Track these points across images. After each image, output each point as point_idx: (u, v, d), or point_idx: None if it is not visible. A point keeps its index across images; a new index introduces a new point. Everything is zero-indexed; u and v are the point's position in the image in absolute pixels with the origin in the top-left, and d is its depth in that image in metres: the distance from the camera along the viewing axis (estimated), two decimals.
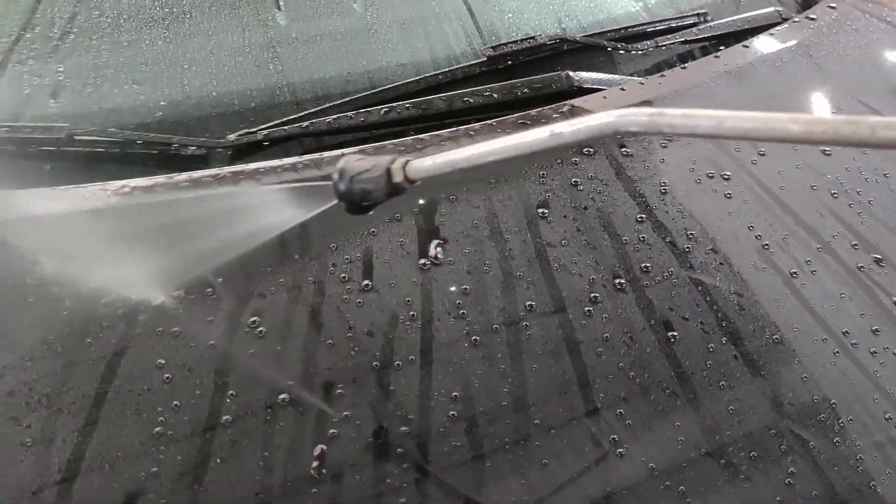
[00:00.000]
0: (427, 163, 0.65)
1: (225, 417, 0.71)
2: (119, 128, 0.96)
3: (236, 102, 1.00)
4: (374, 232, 0.85)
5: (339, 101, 1.00)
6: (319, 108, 0.99)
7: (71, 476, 0.68)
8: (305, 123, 0.97)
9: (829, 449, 0.74)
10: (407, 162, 0.65)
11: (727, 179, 0.95)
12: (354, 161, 0.67)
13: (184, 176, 0.89)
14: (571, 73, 1.05)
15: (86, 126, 0.95)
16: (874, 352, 0.81)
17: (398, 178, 0.65)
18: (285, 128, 0.97)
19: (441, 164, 0.64)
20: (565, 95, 1.04)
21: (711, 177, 0.96)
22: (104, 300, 0.77)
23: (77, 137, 0.94)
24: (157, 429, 0.70)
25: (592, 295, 0.81)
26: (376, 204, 0.67)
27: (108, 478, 0.68)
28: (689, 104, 1.05)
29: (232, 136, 0.96)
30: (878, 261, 0.90)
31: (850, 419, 0.76)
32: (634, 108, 0.58)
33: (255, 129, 0.97)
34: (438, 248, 0.83)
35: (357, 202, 0.66)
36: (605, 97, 1.04)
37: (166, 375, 0.73)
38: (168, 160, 0.96)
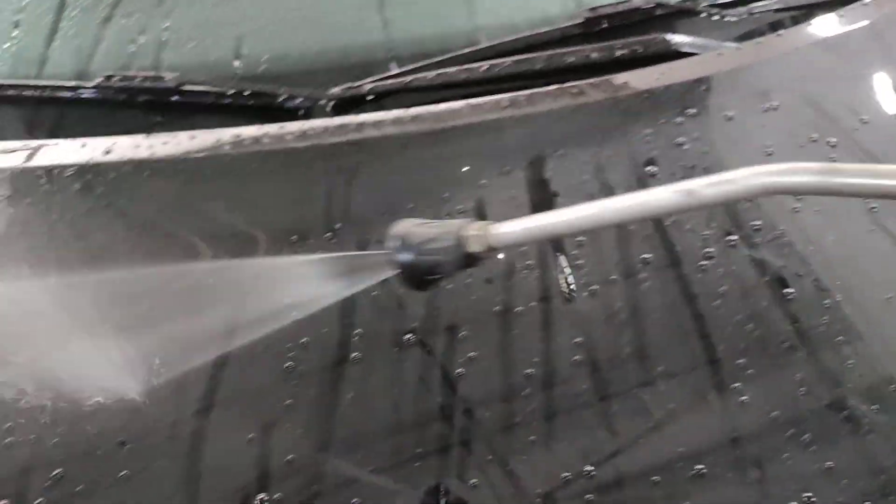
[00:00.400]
0: (512, 228, 0.53)
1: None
2: (224, 79, 0.97)
3: (339, 57, 1.01)
4: None
5: (440, 58, 1.01)
6: (421, 63, 1.00)
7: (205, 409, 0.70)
8: (408, 79, 0.98)
9: None
10: (485, 227, 0.55)
11: (833, 146, 0.95)
12: (416, 226, 0.56)
13: (294, 126, 0.90)
14: (668, 37, 1.05)
15: (192, 77, 0.97)
16: None
17: (476, 246, 0.54)
18: (387, 82, 0.98)
19: (531, 231, 0.53)
20: (661, 59, 1.04)
21: (815, 141, 0.95)
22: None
23: (185, 88, 0.95)
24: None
25: (706, 251, 0.82)
26: (442, 278, 0.56)
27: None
28: (786, 73, 1.05)
29: (335, 90, 0.97)
30: None
31: None
32: (799, 164, 0.47)
33: (357, 84, 0.98)
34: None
35: (421, 276, 0.56)
36: (700, 62, 1.04)
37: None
38: (272, 112, 0.97)
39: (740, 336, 0.76)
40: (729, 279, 0.80)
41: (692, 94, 0.99)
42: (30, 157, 0.88)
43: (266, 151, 0.88)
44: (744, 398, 0.72)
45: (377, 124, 0.91)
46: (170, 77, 0.95)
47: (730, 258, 0.82)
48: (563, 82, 0.99)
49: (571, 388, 0.72)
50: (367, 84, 0.98)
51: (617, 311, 0.77)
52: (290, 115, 0.96)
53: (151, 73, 0.96)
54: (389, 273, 0.57)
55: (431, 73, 0.98)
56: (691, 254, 0.82)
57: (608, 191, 0.89)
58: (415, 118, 0.92)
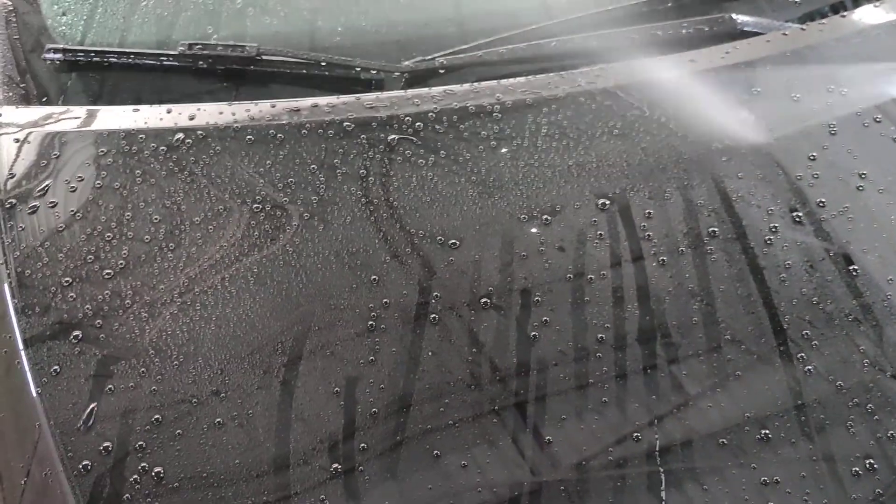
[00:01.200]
0: None
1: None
2: (302, 51, 1.00)
3: (413, 30, 1.04)
4: None
5: (509, 33, 1.03)
6: (491, 38, 1.02)
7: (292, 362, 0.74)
8: (479, 52, 1.00)
9: None
10: None
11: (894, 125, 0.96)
12: None
13: (370, 97, 0.94)
14: (734, 16, 1.06)
15: (271, 47, 1.00)
16: None
17: None
18: (459, 56, 1.01)
19: None
20: (727, 37, 1.06)
21: (879, 121, 0.97)
22: None
23: (265, 57, 0.99)
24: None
25: (771, 226, 0.84)
26: None
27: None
28: (850, 52, 1.06)
29: (408, 63, 1.00)
30: None
31: None
32: None
33: (430, 57, 1.01)
34: None
35: None
36: (767, 41, 1.05)
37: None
38: (346, 83, 1.00)
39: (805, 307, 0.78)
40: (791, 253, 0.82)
41: (758, 74, 1.00)
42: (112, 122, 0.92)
43: (341, 120, 0.92)
44: (809, 367, 0.74)
45: (447, 96, 0.94)
46: (250, 47, 0.98)
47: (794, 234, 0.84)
48: (630, 59, 1.01)
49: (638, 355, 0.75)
50: (439, 58, 1.00)
51: (685, 281, 0.80)
52: (365, 86, 0.99)
53: (231, 43, 0.99)
54: None
55: (501, 49, 1.01)
56: (757, 228, 0.84)
57: (670, 168, 0.91)
58: (482, 91, 0.94)
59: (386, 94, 0.94)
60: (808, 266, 0.81)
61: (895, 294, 0.80)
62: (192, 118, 0.92)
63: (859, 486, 0.70)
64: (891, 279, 0.81)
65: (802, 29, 1.08)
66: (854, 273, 0.81)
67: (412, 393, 0.73)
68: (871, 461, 0.71)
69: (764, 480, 0.70)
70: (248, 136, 0.90)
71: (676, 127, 0.92)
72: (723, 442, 0.70)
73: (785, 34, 1.07)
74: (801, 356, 0.75)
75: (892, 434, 0.71)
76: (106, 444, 0.72)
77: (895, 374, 0.75)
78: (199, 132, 0.90)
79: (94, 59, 1.02)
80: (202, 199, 0.86)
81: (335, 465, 0.70)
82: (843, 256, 0.83)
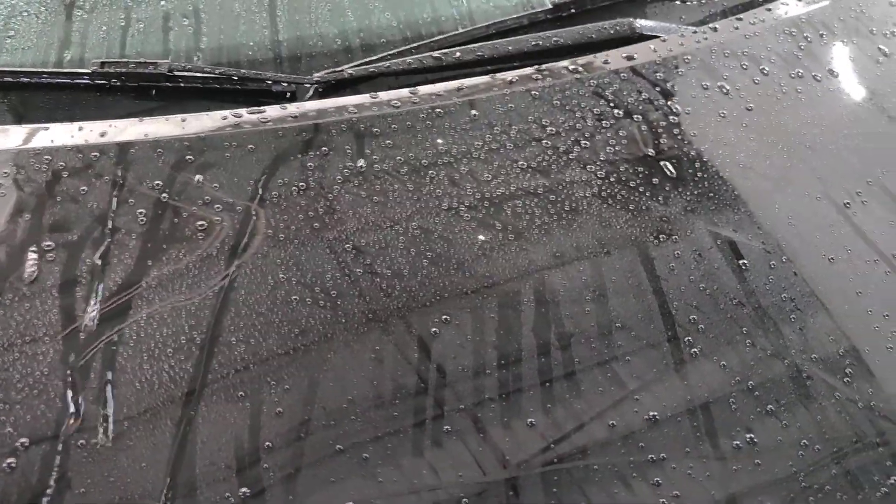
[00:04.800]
0: None
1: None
2: (214, 65, 1.03)
3: (323, 43, 1.07)
4: None
5: (417, 43, 1.07)
6: (401, 49, 1.06)
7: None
8: (387, 63, 1.04)
9: (883, 355, 0.82)
10: None
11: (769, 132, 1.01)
12: None
13: (280, 108, 0.96)
14: (634, 21, 1.11)
15: (183, 63, 1.02)
16: None
17: None
18: (368, 67, 1.04)
19: None
20: (626, 42, 1.10)
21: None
22: None
23: (177, 73, 1.01)
24: None
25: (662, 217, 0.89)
26: None
27: None
28: (743, 56, 1.11)
29: (319, 74, 1.03)
30: None
31: None
32: None
33: (340, 69, 1.04)
34: None
35: None
36: (664, 40, 1.10)
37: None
38: (258, 96, 1.03)
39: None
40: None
41: (656, 75, 1.05)
42: (26, 141, 0.93)
43: (252, 132, 0.94)
44: (694, 350, 0.79)
45: (358, 107, 0.97)
46: (161, 63, 1.00)
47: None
48: (535, 64, 1.05)
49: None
50: (349, 69, 1.04)
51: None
52: (277, 98, 1.01)
53: (143, 60, 1.01)
54: None
55: (410, 59, 1.04)
56: (650, 223, 0.88)
57: (580, 165, 0.95)
58: (393, 101, 0.97)
59: (297, 105, 0.97)
60: (696, 254, 0.86)
61: (779, 278, 0.85)
62: (103, 135, 0.93)
63: (740, 459, 0.75)
64: (773, 263, 0.86)
65: (696, 32, 1.14)
66: (743, 266, 0.86)
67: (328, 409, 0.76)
68: (752, 435, 0.75)
69: (651, 458, 0.74)
70: (159, 150, 0.92)
71: (570, 130, 0.96)
72: (612, 424, 0.74)
73: (682, 36, 1.12)
74: (688, 339, 0.80)
75: (770, 409, 0.76)
76: None
77: (775, 352, 0.80)
78: (110, 149, 0.92)
79: (6, 79, 1.03)
80: (115, 215, 0.88)
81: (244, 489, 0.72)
82: (728, 244, 0.87)
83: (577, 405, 0.77)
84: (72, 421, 0.74)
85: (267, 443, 0.74)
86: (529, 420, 0.76)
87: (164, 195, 0.88)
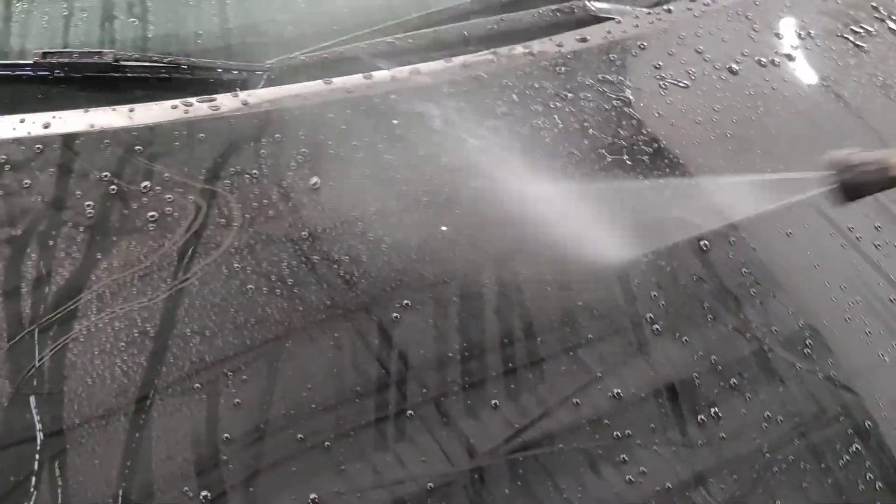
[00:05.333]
0: None
1: None
2: (162, 54, 1.00)
3: (273, 29, 1.05)
4: None
5: (371, 28, 1.05)
6: (355, 34, 1.04)
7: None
8: (341, 49, 1.02)
9: (843, 327, 0.83)
10: None
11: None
12: (852, 154, 0.71)
13: (230, 97, 0.94)
14: (588, 3, 1.11)
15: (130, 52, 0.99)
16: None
17: None
18: (320, 53, 1.02)
19: None
20: (580, 24, 1.10)
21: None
22: None
23: (123, 63, 0.98)
24: None
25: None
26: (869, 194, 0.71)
27: None
28: (697, 38, 1.12)
29: (270, 61, 1.01)
30: None
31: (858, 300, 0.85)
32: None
33: (292, 55, 1.02)
34: None
35: (853, 192, 0.70)
36: (618, 22, 1.10)
37: None
38: (208, 84, 1.00)
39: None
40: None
41: (610, 56, 1.05)
42: None
43: (203, 121, 0.92)
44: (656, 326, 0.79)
45: (312, 94, 0.95)
46: (107, 52, 0.97)
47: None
48: (490, 48, 1.04)
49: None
50: (302, 55, 1.02)
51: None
52: (228, 86, 0.99)
53: (88, 49, 0.97)
54: (825, 188, 0.70)
55: (363, 44, 1.03)
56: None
57: (535, 148, 0.94)
58: (347, 87, 0.96)
59: (249, 92, 0.95)
60: (653, 235, 0.86)
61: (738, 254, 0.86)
62: (46, 126, 0.90)
63: (705, 433, 0.75)
64: (732, 240, 0.87)
65: (650, 13, 1.14)
66: (703, 247, 0.86)
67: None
68: (717, 410, 0.75)
69: (616, 435, 0.74)
70: (106, 141, 0.89)
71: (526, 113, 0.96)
72: (576, 402, 0.73)
73: (637, 17, 1.12)
74: (650, 317, 0.79)
75: (733, 383, 0.76)
76: None
77: (736, 327, 0.80)
78: (55, 141, 0.89)
79: None
80: (61, 209, 0.85)
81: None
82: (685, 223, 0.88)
83: (540, 388, 0.77)
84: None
85: (226, 434, 0.72)
86: (493, 402, 0.75)
87: (112, 187, 0.85)
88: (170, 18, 1.04)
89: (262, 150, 0.90)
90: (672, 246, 0.88)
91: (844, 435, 0.80)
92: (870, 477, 0.78)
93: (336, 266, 0.82)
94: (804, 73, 1.14)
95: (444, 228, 0.86)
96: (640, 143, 0.97)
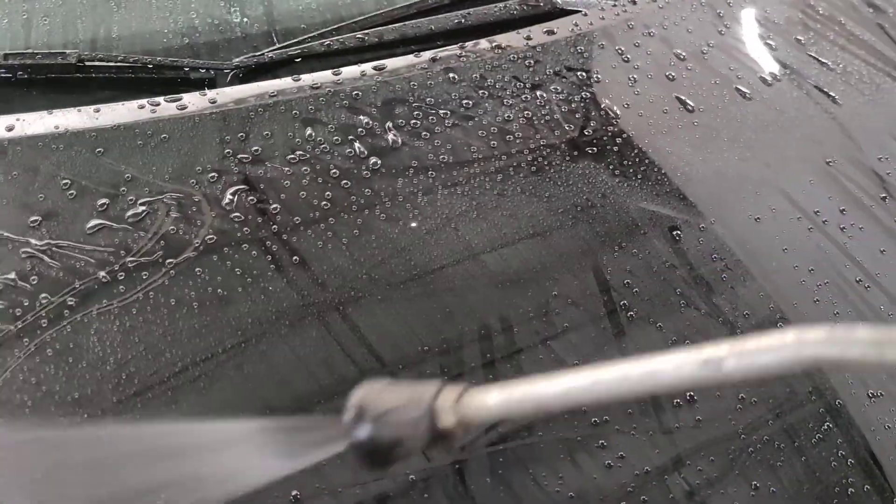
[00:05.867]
0: (495, 397, 0.44)
1: None
2: (127, 54, 0.99)
3: (240, 28, 1.04)
4: None
5: (338, 24, 1.05)
6: (322, 31, 1.04)
7: None
8: (308, 46, 1.02)
9: (812, 309, 0.84)
10: (462, 395, 0.45)
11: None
12: (381, 391, 0.46)
13: (198, 95, 0.93)
14: None
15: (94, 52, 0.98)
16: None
17: (448, 420, 0.44)
18: (290, 50, 1.01)
19: (520, 402, 0.44)
20: (548, 17, 1.11)
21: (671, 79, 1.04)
22: None
23: (87, 63, 0.97)
24: None
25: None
26: (408, 457, 0.45)
27: None
28: (662, 28, 1.13)
29: (238, 59, 1.00)
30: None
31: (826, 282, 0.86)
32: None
33: (259, 53, 1.01)
34: None
35: (383, 454, 0.45)
36: (584, 14, 1.11)
37: None
38: (176, 84, 0.99)
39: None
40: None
41: (578, 48, 1.06)
42: None
43: (170, 121, 0.91)
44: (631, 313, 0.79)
45: (280, 91, 0.95)
46: (70, 53, 0.95)
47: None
48: (458, 42, 1.04)
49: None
50: (270, 52, 1.01)
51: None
52: (196, 85, 0.98)
53: (51, 51, 0.96)
54: (341, 447, 0.46)
55: (331, 40, 1.02)
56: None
57: (503, 142, 0.95)
58: (315, 83, 0.96)
59: (216, 91, 0.94)
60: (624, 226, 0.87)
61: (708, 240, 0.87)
62: (10, 129, 0.89)
63: (680, 416, 0.76)
64: (703, 226, 0.88)
65: (616, 5, 1.15)
66: (676, 237, 0.88)
67: None
68: (692, 394, 0.76)
69: (595, 421, 0.74)
70: (71, 142, 0.88)
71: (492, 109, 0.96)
72: None
73: (602, 9, 1.13)
74: (623, 303, 0.80)
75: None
76: None
77: (708, 312, 0.81)
78: (18, 143, 0.87)
79: None
80: (25, 212, 0.83)
81: None
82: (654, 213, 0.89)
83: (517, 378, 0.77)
84: None
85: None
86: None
87: (77, 190, 0.84)
88: (135, 17, 1.03)
89: (230, 149, 0.90)
90: (644, 235, 0.88)
91: (816, 414, 0.82)
92: (841, 454, 0.79)
93: (305, 263, 0.82)
94: (768, 62, 1.16)
95: (413, 225, 0.86)
96: (609, 133, 0.98)
